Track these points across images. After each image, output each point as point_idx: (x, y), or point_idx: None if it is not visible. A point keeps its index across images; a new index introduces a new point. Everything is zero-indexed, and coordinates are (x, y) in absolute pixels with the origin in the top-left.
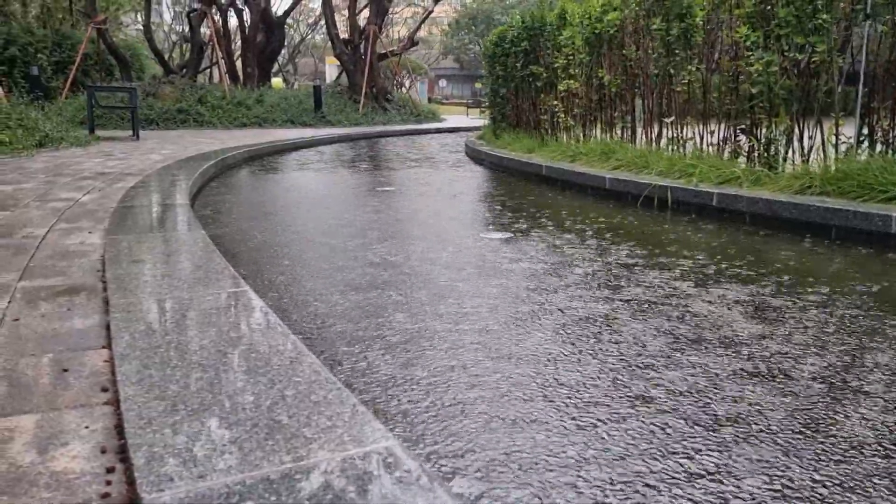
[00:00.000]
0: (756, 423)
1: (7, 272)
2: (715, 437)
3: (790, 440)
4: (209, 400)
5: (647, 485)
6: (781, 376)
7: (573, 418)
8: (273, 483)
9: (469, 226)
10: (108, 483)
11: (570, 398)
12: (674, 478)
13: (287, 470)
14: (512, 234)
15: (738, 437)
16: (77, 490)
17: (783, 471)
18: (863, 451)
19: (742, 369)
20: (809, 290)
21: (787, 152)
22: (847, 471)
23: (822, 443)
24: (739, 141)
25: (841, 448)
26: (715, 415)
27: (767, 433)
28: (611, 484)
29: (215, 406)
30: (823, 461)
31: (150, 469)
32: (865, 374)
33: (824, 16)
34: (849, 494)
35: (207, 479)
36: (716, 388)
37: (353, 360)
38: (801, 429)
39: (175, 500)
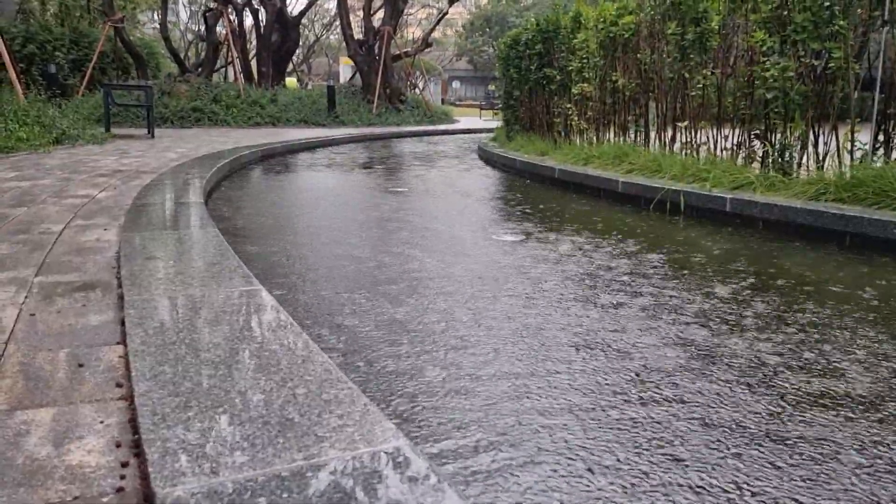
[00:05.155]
0: None
1: (24, 267)
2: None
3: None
4: (222, 397)
5: None
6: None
7: None
8: (284, 480)
9: (481, 228)
10: (123, 477)
11: None
12: None
13: (298, 468)
14: (524, 237)
15: None
16: (92, 483)
17: None
18: None
19: None
20: (822, 297)
21: (801, 158)
22: None
23: None
24: (754, 146)
25: None
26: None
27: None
28: None
29: (228, 403)
30: None
31: (163, 464)
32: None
33: (841, 21)
34: None
35: (220, 475)
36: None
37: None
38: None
39: (188, 495)
